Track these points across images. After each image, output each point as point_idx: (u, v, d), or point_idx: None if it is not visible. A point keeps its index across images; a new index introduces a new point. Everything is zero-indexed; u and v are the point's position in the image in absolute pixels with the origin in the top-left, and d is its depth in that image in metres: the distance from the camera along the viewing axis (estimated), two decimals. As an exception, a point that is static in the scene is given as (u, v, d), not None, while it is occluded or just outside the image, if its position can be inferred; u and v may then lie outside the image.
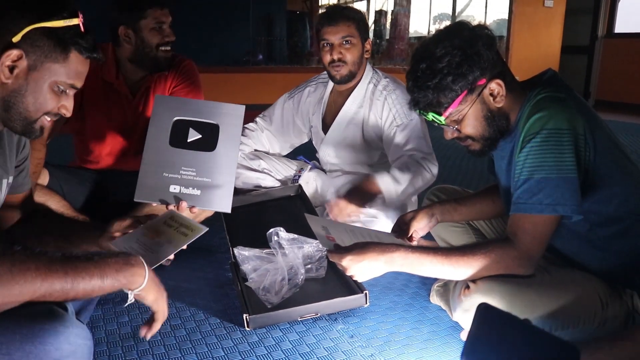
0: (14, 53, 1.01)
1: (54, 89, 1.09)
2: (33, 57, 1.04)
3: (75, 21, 1.07)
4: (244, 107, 1.55)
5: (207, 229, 1.31)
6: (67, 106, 1.13)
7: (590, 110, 1.33)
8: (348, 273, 1.33)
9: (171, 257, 1.27)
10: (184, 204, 1.43)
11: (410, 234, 1.62)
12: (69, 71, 1.09)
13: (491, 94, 1.32)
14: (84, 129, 2.10)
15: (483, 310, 1.01)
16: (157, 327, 1.07)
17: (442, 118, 1.33)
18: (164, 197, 1.45)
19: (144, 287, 1.00)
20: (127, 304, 1.04)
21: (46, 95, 1.09)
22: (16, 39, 1.02)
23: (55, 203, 1.74)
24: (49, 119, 1.13)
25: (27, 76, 1.05)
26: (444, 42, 1.29)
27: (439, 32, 1.35)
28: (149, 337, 1.08)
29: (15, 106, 1.07)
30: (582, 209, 1.26)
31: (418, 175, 2.02)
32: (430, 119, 1.36)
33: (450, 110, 1.31)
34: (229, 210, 1.48)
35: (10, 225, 1.29)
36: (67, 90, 1.12)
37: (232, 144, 1.52)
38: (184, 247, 1.27)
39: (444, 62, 1.27)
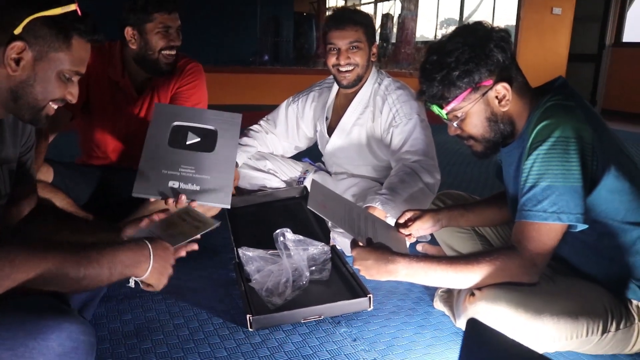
0: (18, 45, 1.03)
1: (60, 77, 1.12)
2: (37, 48, 1.06)
3: (72, 7, 1.10)
4: (241, 115, 1.57)
5: (219, 222, 1.34)
6: (72, 92, 1.16)
7: (599, 120, 1.33)
8: (355, 264, 1.38)
9: (195, 246, 1.31)
10: (183, 197, 1.44)
11: (410, 233, 1.63)
12: (73, 59, 1.12)
13: (496, 97, 1.32)
14: (90, 124, 2.10)
15: (472, 325, 0.99)
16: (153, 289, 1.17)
17: (444, 112, 1.36)
18: (163, 191, 1.45)
19: (146, 276, 1.10)
20: (129, 284, 1.13)
21: (54, 84, 1.11)
22: (17, 31, 1.03)
23: (59, 200, 1.74)
24: (55, 106, 1.16)
25: (34, 67, 1.07)
26: (457, 38, 1.33)
27: (457, 29, 1.38)
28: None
29: (24, 96, 1.09)
30: (589, 218, 1.25)
31: (410, 187, 1.97)
32: (436, 112, 1.39)
33: (452, 105, 1.33)
34: (228, 206, 1.49)
35: (18, 219, 1.29)
36: (72, 77, 1.14)
37: (230, 147, 1.54)
38: (198, 236, 1.30)
39: (452, 57, 1.30)
